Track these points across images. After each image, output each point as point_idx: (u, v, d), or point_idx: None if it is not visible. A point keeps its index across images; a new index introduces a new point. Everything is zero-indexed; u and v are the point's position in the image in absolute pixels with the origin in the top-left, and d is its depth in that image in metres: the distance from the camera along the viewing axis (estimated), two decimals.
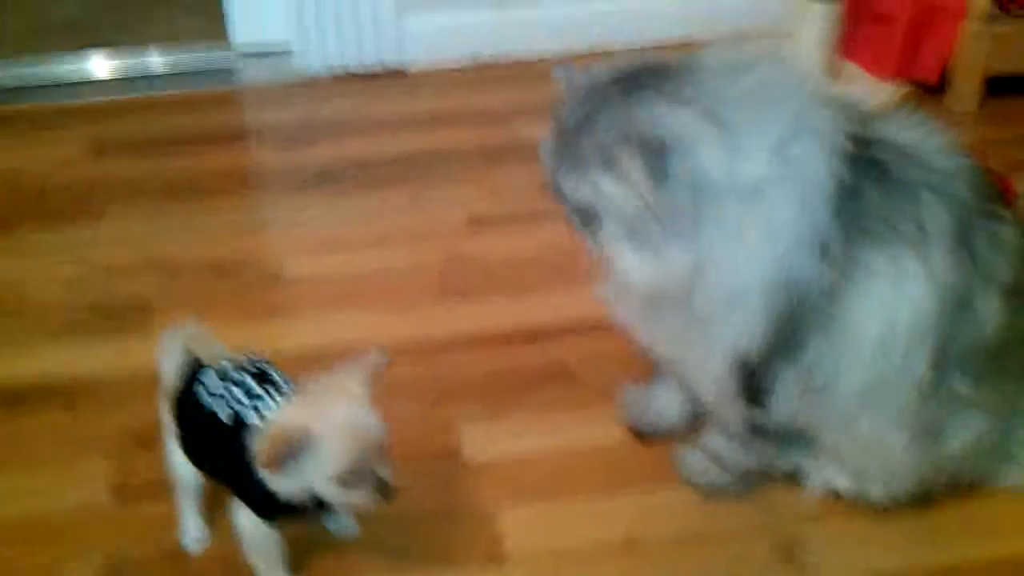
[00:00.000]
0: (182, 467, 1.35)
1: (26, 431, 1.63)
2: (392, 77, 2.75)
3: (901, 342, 1.22)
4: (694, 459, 1.48)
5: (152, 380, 1.40)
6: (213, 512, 1.44)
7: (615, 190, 1.14)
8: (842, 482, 1.41)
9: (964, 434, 1.32)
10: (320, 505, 1.25)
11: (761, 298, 1.19)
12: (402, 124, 2.55)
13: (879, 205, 1.21)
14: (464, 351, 1.78)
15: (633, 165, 1.11)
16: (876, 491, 1.38)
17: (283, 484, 1.20)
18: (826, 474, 1.42)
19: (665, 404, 1.56)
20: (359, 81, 2.74)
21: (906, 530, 1.42)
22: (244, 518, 1.28)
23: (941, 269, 1.21)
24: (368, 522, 1.44)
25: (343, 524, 1.43)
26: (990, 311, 1.25)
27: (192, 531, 1.42)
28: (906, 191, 1.22)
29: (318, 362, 1.71)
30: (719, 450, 1.45)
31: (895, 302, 1.21)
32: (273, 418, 1.21)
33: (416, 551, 1.41)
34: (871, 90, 2.48)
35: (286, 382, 1.29)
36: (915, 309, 1.21)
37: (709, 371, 1.30)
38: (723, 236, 1.15)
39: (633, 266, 1.18)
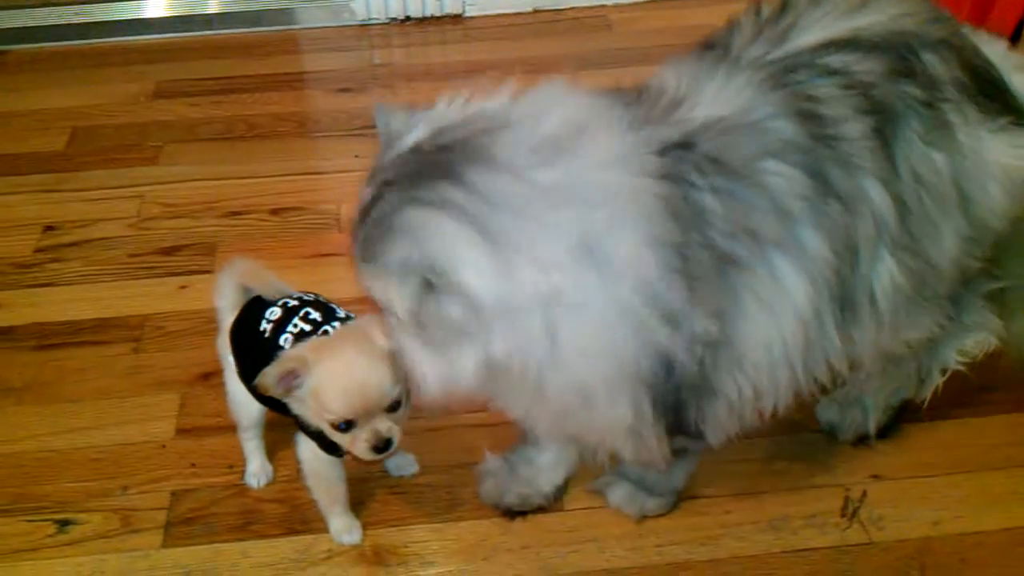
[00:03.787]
0: (242, 401, 1.37)
1: (93, 366, 1.65)
2: (450, 23, 2.73)
3: (803, 337, 1.13)
4: (621, 490, 1.40)
5: (215, 319, 1.41)
6: (275, 451, 1.46)
7: (380, 293, 1.05)
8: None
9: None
10: None
11: (615, 389, 1.08)
12: (459, 71, 2.53)
13: (730, 214, 1.08)
14: None
15: (391, 283, 1.02)
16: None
17: (300, 410, 1.22)
18: None
19: (540, 470, 1.41)
20: (416, 26, 2.72)
21: (971, 490, 1.41)
22: (307, 450, 1.30)
23: (813, 248, 1.11)
24: (426, 464, 1.46)
25: (401, 462, 1.45)
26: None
27: (254, 467, 1.44)
28: (749, 177, 1.09)
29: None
30: (643, 478, 1.37)
31: (781, 311, 1.11)
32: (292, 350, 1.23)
33: (473, 496, 1.42)
34: None
35: (349, 317, 1.30)
36: (801, 304, 1.11)
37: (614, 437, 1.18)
38: (530, 343, 1.03)
39: (420, 365, 1.08)
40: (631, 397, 1.09)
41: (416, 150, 1.05)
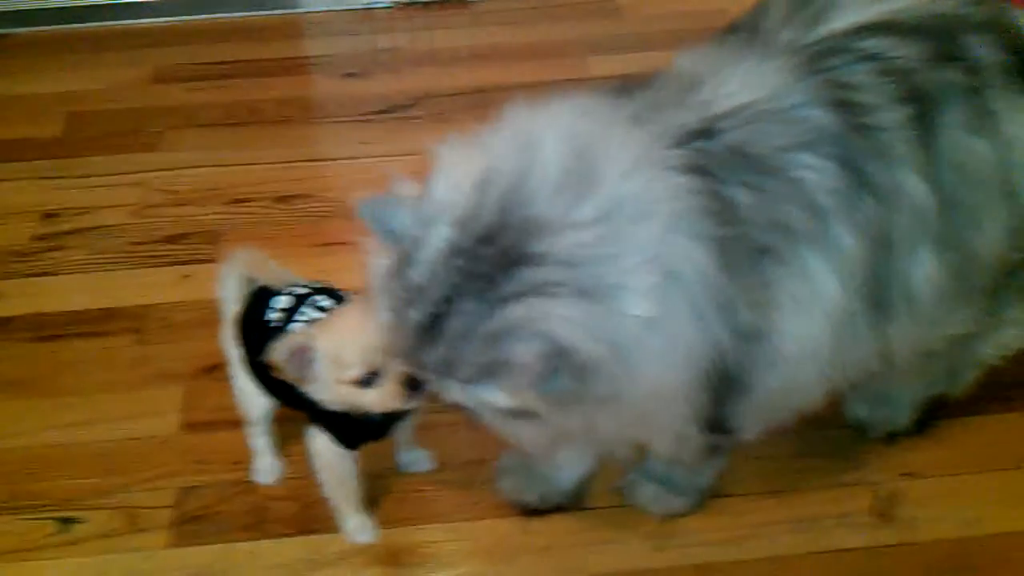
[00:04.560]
0: (250, 394, 1.33)
1: (93, 358, 1.61)
2: (456, 7, 2.67)
3: (832, 334, 1.09)
4: (645, 489, 1.37)
5: (219, 309, 1.37)
6: (285, 446, 1.41)
7: (498, 399, 1.00)
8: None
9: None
10: (382, 425, 1.25)
11: (688, 388, 1.05)
12: (467, 56, 2.48)
13: (762, 207, 1.04)
14: None
15: (518, 379, 0.96)
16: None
17: (319, 393, 1.19)
18: None
19: (560, 467, 1.38)
20: (422, 10, 2.67)
21: (1007, 488, 1.37)
22: (320, 443, 1.26)
23: (846, 245, 1.07)
24: (442, 461, 1.42)
25: (415, 457, 1.41)
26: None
27: (263, 463, 1.40)
28: (779, 171, 1.05)
29: None
30: (668, 477, 1.35)
31: (812, 308, 1.07)
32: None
33: (491, 494, 1.38)
34: None
35: None
36: (831, 302, 1.07)
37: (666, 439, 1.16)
38: (622, 374, 0.98)
39: (530, 439, 1.10)
40: (697, 392, 1.06)
41: (460, 251, 0.97)
